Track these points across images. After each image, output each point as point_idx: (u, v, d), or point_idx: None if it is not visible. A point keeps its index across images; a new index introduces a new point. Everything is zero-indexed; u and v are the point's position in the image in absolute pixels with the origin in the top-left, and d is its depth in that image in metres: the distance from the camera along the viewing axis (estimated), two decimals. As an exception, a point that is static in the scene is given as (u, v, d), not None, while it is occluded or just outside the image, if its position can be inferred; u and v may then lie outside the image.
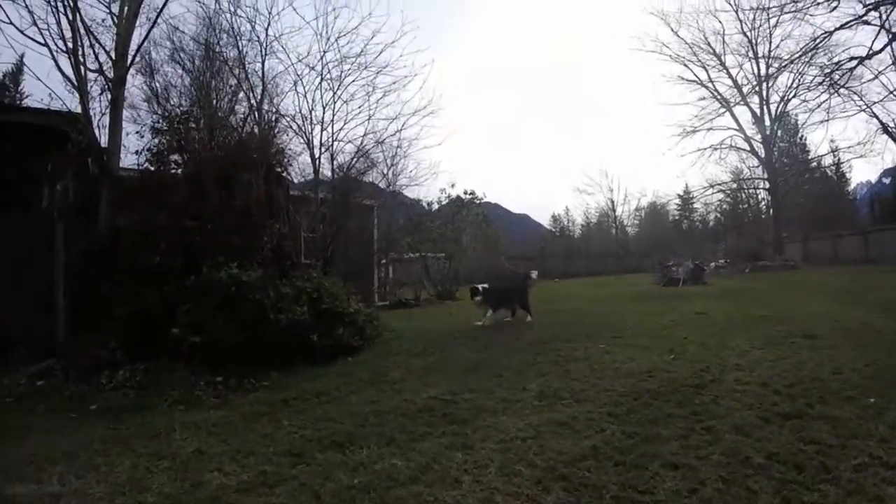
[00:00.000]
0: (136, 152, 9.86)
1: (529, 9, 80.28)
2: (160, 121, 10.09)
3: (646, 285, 21.42)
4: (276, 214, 9.78)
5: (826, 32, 18.01)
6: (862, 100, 26.00)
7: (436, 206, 20.44)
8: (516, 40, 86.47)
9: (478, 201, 20.62)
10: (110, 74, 10.20)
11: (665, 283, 20.73)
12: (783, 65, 28.25)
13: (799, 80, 29.05)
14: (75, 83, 9.86)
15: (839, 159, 37.57)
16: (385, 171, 15.85)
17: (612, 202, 56.09)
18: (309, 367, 6.88)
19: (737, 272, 26.29)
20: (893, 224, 28.66)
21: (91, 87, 10.22)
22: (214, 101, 10.92)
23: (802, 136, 41.51)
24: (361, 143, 13.68)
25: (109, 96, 10.26)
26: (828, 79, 22.18)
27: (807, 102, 28.49)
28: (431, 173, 17.87)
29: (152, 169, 9.30)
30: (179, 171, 9.50)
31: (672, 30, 37.04)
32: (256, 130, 11.28)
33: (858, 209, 44.12)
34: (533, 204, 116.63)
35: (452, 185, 20.38)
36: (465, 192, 20.54)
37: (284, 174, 11.07)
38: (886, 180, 39.63)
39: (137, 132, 10.00)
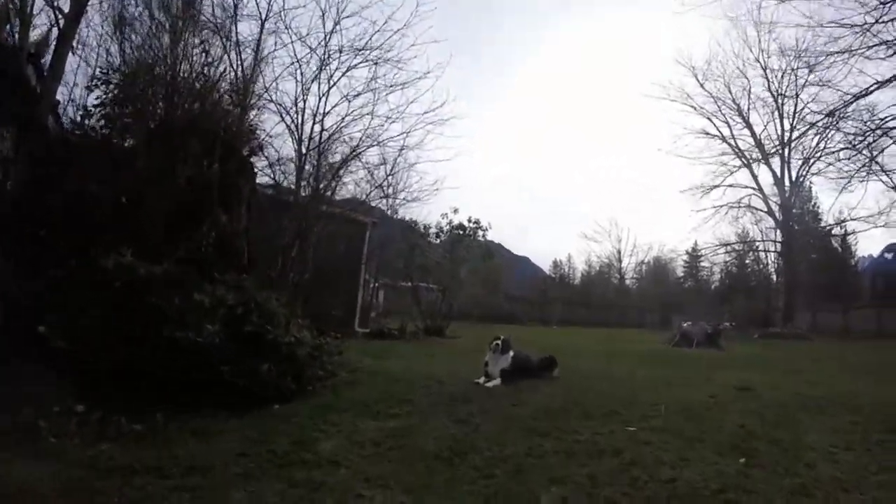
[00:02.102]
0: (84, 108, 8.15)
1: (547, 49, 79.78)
2: (110, 71, 8.25)
3: (656, 344, 19.71)
4: (231, 206, 7.80)
5: (853, 97, 16.35)
6: (883, 170, 24.45)
7: (434, 231, 18.43)
8: (534, 68, 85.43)
9: (482, 231, 18.58)
10: (65, 6, 8.22)
11: (676, 343, 19.06)
12: (804, 130, 27.55)
13: (824, 145, 27.95)
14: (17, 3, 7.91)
15: (853, 230, 35.65)
16: (382, 184, 13.67)
17: (619, 252, 54.69)
18: (213, 411, 4.80)
19: (746, 337, 24.26)
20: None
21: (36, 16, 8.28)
22: (181, 60, 8.92)
23: (815, 203, 40.67)
24: (357, 145, 11.76)
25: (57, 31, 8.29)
26: (851, 146, 21.24)
27: (831, 166, 27.30)
28: (433, 190, 15.35)
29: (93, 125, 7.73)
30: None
31: (698, 81, 35.50)
32: (232, 108, 9.35)
33: (861, 282, 43.01)
34: (535, 248, 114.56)
35: (455, 211, 18.41)
36: (470, 221, 18.52)
37: (253, 160, 9.18)
38: (889, 255, 38.94)
39: (87, 86, 8.30)
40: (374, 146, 11.68)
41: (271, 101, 10.63)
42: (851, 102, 16.87)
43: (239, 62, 9.85)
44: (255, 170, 9.47)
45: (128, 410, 4.50)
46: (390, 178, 13.48)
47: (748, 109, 34.89)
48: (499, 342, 7.69)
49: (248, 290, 5.57)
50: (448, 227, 18.26)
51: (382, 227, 20.55)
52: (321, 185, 11.11)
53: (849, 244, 42.06)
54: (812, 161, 31.62)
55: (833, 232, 36.06)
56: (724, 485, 3.75)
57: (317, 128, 11.20)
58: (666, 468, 4.05)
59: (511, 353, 7.78)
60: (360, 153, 11.49)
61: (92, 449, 3.93)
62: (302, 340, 5.72)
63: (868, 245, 40.29)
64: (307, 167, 11.32)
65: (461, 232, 18.17)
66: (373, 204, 16.92)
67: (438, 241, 18.61)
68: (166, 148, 6.95)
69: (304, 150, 11.15)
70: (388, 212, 21.75)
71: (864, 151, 22.93)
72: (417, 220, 19.10)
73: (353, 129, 11.58)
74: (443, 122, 11.88)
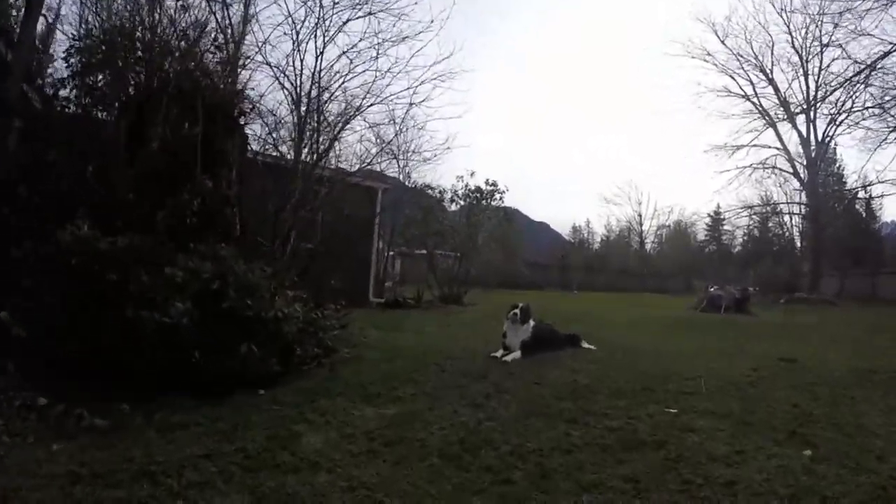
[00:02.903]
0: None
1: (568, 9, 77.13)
2: (86, 39, 7.54)
3: (682, 309, 18.95)
4: (218, 171, 7.12)
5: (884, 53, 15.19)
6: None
7: (449, 195, 17.59)
8: (550, 37, 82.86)
9: (499, 194, 17.66)
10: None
11: (703, 308, 18.43)
12: (831, 89, 26.99)
13: (852, 103, 27.13)
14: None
15: (880, 193, 34.27)
16: (391, 143, 12.72)
17: (640, 215, 53.65)
18: (185, 400, 4.16)
19: (772, 303, 23.34)
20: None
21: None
22: (161, 22, 8.18)
23: (840, 166, 39.26)
24: (360, 104, 10.91)
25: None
26: (879, 106, 20.28)
27: (858, 126, 27.46)
28: (445, 149, 13.84)
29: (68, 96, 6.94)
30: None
31: (719, 38, 33.90)
32: (219, 68, 8.59)
33: (886, 248, 41.59)
34: (554, 213, 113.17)
35: (472, 174, 17.50)
36: (487, 183, 17.58)
37: (246, 123, 8.44)
38: None
39: (64, 57, 7.51)
40: (377, 104, 10.76)
41: (266, 63, 9.82)
42: (885, 56, 15.89)
43: (227, 20, 9.07)
44: (249, 133, 8.81)
45: (93, 402, 3.91)
46: (399, 137, 12.50)
47: (771, 67, 33.44)
48: (517, 311, 6.94)
49: (226, 260, 4.85)
50: (464, 190, 17.43)
51: (395, 192, 19.89)
52: (321, 148, 10.33)
53: (873, 209, 40.82)
54: (840, 122, 31.01)
55: (859, 195, 34.54)
56: (793, 488, 3.03)
57: (315, 88, 10.43)
58: (720, 465, 3.33)
59: (531, 323, 7.08)
60: (362, 111, 10.59)
61: (43, 449, 3.34)
62: (290, 315, 4.98)
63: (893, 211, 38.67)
64: (308, 130, 10.57)
65: (478, 195, 17.32)
66: (383, 167, 16.14)
67: (454, 205, 17.78)
68: (142, 112, 6.26)
69: (302, 111, 10.41)
70: (400, 176, 20.98)
71: (892, 112, 22.30)
72: (431, 184, 18.34)
73: (353, 85, 10.75)
74: (451, 76, 10.89)
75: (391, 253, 23.92)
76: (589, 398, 4.88)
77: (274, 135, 10.46)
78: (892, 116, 22.42)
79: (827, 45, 27.99)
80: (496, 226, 19.42)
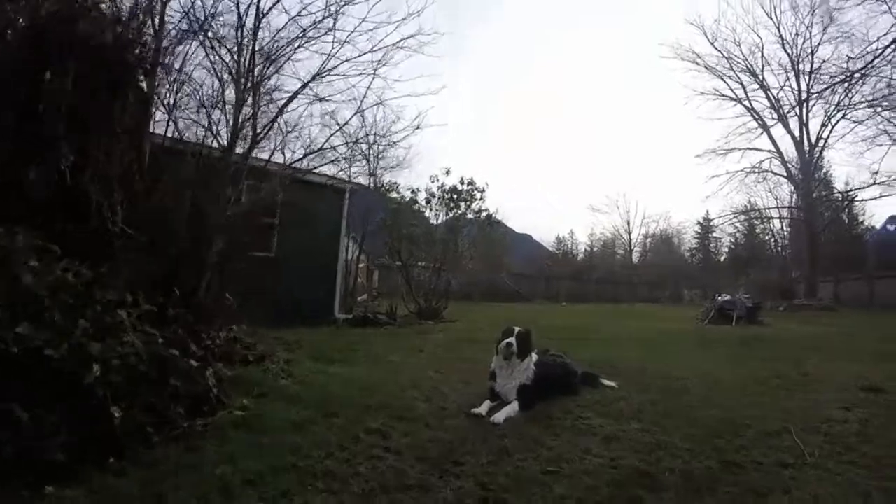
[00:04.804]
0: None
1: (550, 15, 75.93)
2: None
3: (687, 321, 17.16)
4: (96, 139, 5.05)
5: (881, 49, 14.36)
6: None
7: (423, 196, 15.36)
8: (531, 40, 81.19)
9: (479, 193, 15.42)
10: None
11: (711, 319, 16.56)
12: (823, 87, 26.21)
13: (849, 100, 27.24)
14: None
15: (872, 196, 34.46)
16: (352, 128, 10.40)
17: (629, 224, 52.13)
18: None
19: (770, 310, 21.85)
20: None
21: None
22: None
23: (828, 172, 38.81)
24: (313, 77, 8.75)
25: None
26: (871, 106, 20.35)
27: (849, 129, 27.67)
28: (415, 128, 10.50)
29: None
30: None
31: (709, 41, 34.04)
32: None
33: (868, 253, 41.13)
34: (536, 225, 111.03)
35: (447, 172, 15.25)
36: (463, 182, 15.35)
37: (144, 83, 6.31)
38: (892, 227, 38.28)
39: None
40: (331, 76, 8.62)
41: (193, 19, 7.68)
42: (880, 54, 15.07)
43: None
44: (182, 120, 6.83)
45: None
46: (361, 116, 10.20)
47: (762, 69, 33.33)
48: (512, 342, 4.57)
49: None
50: (439, 191, 15.21)
51: (368, 197, 17.75)
52: (260, 132, 8.19)
53: (855, 214, 41.71)
54: (832, 123, 30.88)
55: (857, 198, 33.63)
56: None
57: (254, 60, 8.33)
58: None
59: (533, 357, 4.71)
60: (315, 82, 8.46)
61: None
62: (96, 356, 2.77)
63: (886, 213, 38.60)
64: (245, 109, 8.43)
65: (454, 196, 15.11)
66: (351, 173, 14.09)
67: (430, 210, 15.55)
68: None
69: (242, 86, 8.27)
70: (371, 181, 18.82)
71: (883, 113, 21.91)
72: (401, 186, 16.19)
73: (304, 56, 8.64)
74: (421, 45, 8.77)
75: (364, 264, 21.79)
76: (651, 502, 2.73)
77: (203, 115, 8.29)
78: (883, 117, 22.28)
79: (818, 46, 28.16)
80: (478, 231, 17.20)
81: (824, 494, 2.90)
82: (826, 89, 24.89)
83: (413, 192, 15.38)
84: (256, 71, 8.36)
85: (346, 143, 9.47)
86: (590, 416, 4.24)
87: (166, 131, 7.18)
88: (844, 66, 19.61)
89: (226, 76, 8.27)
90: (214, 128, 8.10)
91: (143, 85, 6.60)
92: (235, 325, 5.88)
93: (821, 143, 32.68)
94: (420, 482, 2.88)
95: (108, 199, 5.14)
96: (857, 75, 19.25)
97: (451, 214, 15.50)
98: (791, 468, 3.27)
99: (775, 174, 35.69)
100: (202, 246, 5.91)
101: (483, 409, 4.24)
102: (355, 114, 9.17)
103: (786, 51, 31.61)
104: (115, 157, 5.46)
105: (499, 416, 4.04)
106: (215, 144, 7.95)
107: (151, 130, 6.91)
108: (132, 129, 5.83)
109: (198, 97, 8.00)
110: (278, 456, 3.12)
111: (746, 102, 34.26)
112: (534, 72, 79.25)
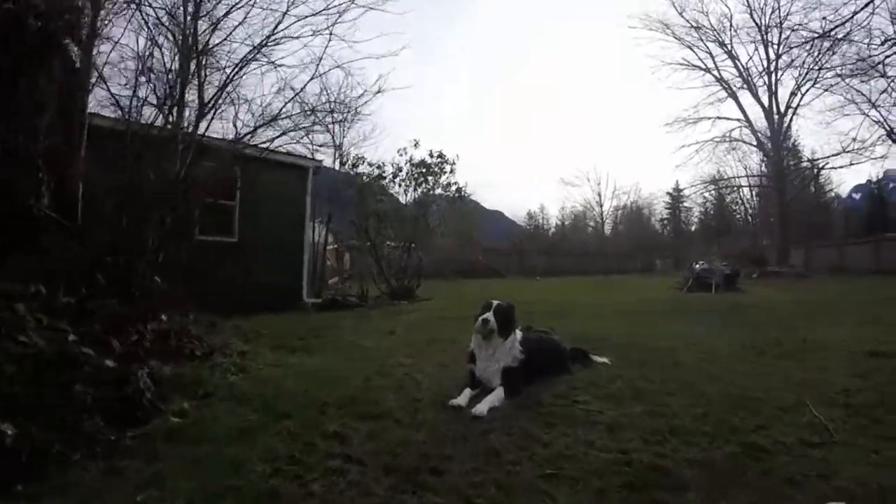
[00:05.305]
0: None
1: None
2: None
3: (665, 290, 17.02)
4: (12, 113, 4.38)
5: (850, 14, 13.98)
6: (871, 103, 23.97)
7: (391, 171, 14.65)
8: (500, 18, 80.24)
9: (449, 166, 14.76)
10: None
11: (690, 287, 16.52)
12: (793, 59, 26.41)
13: (819, 69, 26.36)
14: None
15: (841, 164, 34.02)
16: (307, 96, 9.53)
17: (600, 196, 52.02)
18: None
19: (743, 277, 21.89)
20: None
21: None
22: None
23: (795, 141, 38.89)
24: (264, 41, 7.95)
25: None
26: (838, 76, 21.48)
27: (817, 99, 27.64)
28: (374, 93, 9.42)
29: None
30: None
31: (677, 10, 33.26)
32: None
33: (837, 219, 43.62)
34: (508, 202, 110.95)
35: (416, 145, 14.54)
36: (432, 155, 14.67)
37: (71, 48, 5.53)
38: (857, 195, 40.54)
39: None
40: (282, 37, 7.83)
41: None
42: (846, 22, 14.70)
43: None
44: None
45: None
46: (320, 82, 9.36)
47: (731, 38, 32.99)
48: (488, 317, 3.92)
49: None
50: (407, 165, 14.53)
51: (335, 178, 16.92)
52: (207, 102, 7.43)
53: (822, 183, 42.41)
54: (801, 92, 30.55)
55: (827, 166, 33.69)
56: None
57: (202, 23, 7.53)
58: None
59: (518, 335, 4.09)
60: (273, 40, 7.66)
61: None
62: None
63: (855, 180, 40.16)
64: (192, 79, 7.64)
65: (423, 170, 14.45)
66: (314, 145, 13.22)
67: (395, 182, 14.84)
68: None
69: (185, 51, 7.48)
70: (336, 161, 17.84)
71: (849, 81, 22.05)
72: (366, 157, 15.40)
73: (255, 21, 7.85)
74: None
75: (334, 246, 20.99)
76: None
77: (142, 86, 7.48)
78: (851, 86, 22.39)
79: (787, 16, 27.13)
80: (448, 205, 16.56)
81: (866, 476, 2.45)
82: (800, 45, 24.72)
83: (379, 166, 14.65)
84: (201, 34, 7.61)
85: (304, 111, 8.66)
86: (587, 400, 3.69)
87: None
88: (817, 29, 19.49)
89: (163, 40, 7.49)
90: (154, 98, 7.34)
91: (75, 56, 5.88)
92: (180, 314, 5.19)
93: (790, 113, 32.51)
94: (388, 501, 2.29)
95: (33, 181, 4.50)
96: (829, 35, 19.01)
97: (420, 190, 14.87)
98: (819, 448, 2.85)
99: (745, 143, 35.70)
100: (138, 228, 5.22)
101: (463, 399, 3.64)
102: (312, 78, 8.36)
103: (754, 20, 31.13)
104: (38, 134, 4.79)
105: (482, 407, 3.44)
106: (160, 118, 7.22)
107: (90, 108, 6.23)
108: (60, 104, 5.12)
109: (137, 66, 7.22)
110: (215, 474, 2.50)
111: (716, 72, 34.05)
112: (500, 42, 78.56)
